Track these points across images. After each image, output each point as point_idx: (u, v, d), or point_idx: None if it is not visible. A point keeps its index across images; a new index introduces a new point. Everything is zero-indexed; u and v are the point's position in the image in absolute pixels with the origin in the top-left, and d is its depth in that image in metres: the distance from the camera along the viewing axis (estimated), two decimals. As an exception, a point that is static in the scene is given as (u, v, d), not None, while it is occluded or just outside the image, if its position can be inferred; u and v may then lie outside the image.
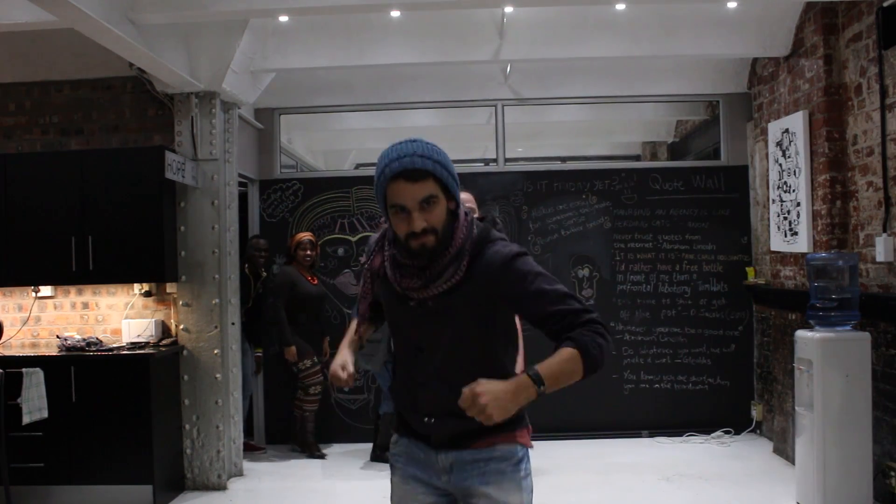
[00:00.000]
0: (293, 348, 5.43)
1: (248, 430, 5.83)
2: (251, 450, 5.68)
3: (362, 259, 2.07)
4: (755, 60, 5.79)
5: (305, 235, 5.69)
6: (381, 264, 1.95)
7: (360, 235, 6.08)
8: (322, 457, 5.60)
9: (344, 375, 1.95)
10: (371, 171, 7.27)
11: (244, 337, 5.61)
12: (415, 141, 1.82)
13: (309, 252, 5.61)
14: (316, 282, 5.73)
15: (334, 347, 5.76)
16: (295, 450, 5.77)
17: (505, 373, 1.85)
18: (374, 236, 2.02)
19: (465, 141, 8.36)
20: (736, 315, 5.99)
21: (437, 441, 1.92)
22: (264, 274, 5.83)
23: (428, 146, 1.81)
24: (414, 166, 1.77)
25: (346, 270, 6.06)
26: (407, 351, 1.97)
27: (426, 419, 1.92)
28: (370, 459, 5.46)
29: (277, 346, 5.54)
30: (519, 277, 1.82)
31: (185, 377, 4.92)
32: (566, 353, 1.72)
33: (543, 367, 1.69)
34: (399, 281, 1.89)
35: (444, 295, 1.84)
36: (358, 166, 8.59)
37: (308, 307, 5.60)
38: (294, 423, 5.74)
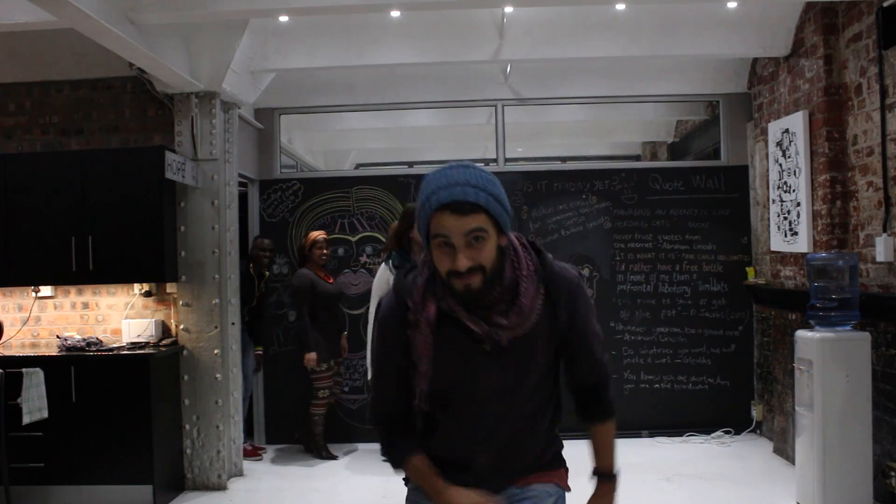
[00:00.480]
0: (314, 355, 5.38)
1: (249, 431, 5.81)
2: (249, 455, 5.59)
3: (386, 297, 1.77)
4: (755, 60, 5.80)
5: (320, 234, 5.61)
6: (437, 310, 1.67)
7: (360, 235, 6.08)
8: (333, 458, 5.59)
9: None
10: (371, 172, 7.34)
11: (247, 335, 5.63)
12: (468, 167, 1.62)
13: (325, 251, 5.57)
14: (332, 280, 5.69)
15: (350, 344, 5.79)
16: (301, 450, 5.77)
17: (560, 407, 1.86)
18: (386, 287, 1.83)
19: (465, 141, 8.37)
20: (736, 315, 5.98)
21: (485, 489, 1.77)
22: (267, 274, 5.84)
23: (482, 176, 1.61)
24: (466, 198, 1.56)
25: (345, 271, 6.06)
26: (464, 405, 1.73)
27: (477, 479, 1.75)
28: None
29: (297, 348, 5.52)
30: (582, 307, 1.76)
31: (185, 377, 4.92)
32: (609, 430, 1.87)
33: (610, 461, 1.86)
34: (488, 319, 1.64)
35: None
36: (358, 166, 8.60)
37: (328, 306, 5.56)
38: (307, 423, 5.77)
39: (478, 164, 1.64)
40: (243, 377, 5.53)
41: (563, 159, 8.79)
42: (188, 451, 4.91)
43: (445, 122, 7.30)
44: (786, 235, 5.13)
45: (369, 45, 5.28)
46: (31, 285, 5.02)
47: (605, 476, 1.85)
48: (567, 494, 1.87)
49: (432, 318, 1.66)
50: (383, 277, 3.92)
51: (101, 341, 4.87)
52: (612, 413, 1.87)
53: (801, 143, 4.82)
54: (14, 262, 4.74)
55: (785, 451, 5.19)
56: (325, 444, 5.65)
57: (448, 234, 1.57)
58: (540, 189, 6.08)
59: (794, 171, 4.95)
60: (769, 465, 5.16)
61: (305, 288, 5.44)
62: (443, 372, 1.69)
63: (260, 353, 5.89)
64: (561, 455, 1.89)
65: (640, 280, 6.03)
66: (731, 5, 4.79)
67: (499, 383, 1.70)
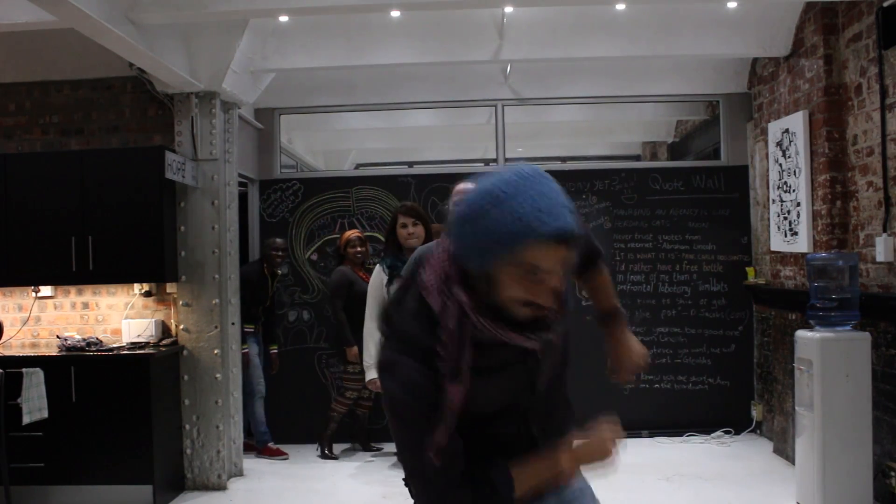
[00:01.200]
0: (355, 349, 5.34)
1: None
2: (276, 455, 5.62)
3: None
4: (755, 60, 5.79)
5: (354, 233, 5.60)
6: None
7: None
8: (333, 457, 5.60)
9: None
10: (371, 172, 7.33)
11: (261, 336, 5.65)
12: (551, 180, 1.38)
13: (359, 249, 5.53)
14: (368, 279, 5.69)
15: None
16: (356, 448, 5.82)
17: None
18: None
19: (465, 141, 8.37)
20: (736, 315, 5.98)
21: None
22: (279, 273, 5.84)
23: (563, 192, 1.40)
24: (575, 229, 1.35)
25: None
26: (522, 410, 1.58)
27: None
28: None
29: (334, 346, 5.54)
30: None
31: (185, 377, 4.92)
32: (605, 271, 1.94)
33: (613, 299, 1.91)
34: (539, 329, 1.48)
35: None
36: (358, 166, 8.60)
37: (363, 305, 5.56)
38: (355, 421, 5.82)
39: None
40: (261, 377, 5.60)
41: (563, 159, 8.78)
42: (188, 451, 4.91)
43: (445, 122, 7.30)
44: (786, 235, 5.13)
45: (369, 45, 5.28)
46: (31, 285, 5.02)
47: (614, 314, 1.91)
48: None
49: (470, 363, 1.42)
50: (377, 279, 3.96)
51: (101, 341, 4.87)
52: (602, 254, 1.92)
53: (801, 143, 4.82)
54: (14, 262, 4.74)
55: (785, 451, 5.19)
56: (332, 443, 5.66)
57: (551, 269, 1.34)
58: (540, 189, 6.07)
59: (794, 171, 4.95)
60: (769, 465, 5.16)
61: (341, 285, 5.43)
62: (496, 396, 1.50)
63: (275, 352, 5.89)
64: None
65: (640, 280, 6.03)
66: (731, 5, 4.79)
67: (552, 369, 1.58)
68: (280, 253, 5.74)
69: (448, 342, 1.40)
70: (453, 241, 1.40)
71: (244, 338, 5.45)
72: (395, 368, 1.43)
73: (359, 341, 5.42)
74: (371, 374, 3.93)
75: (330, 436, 5.63)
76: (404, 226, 3.85)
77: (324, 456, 5.59)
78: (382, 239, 5.92)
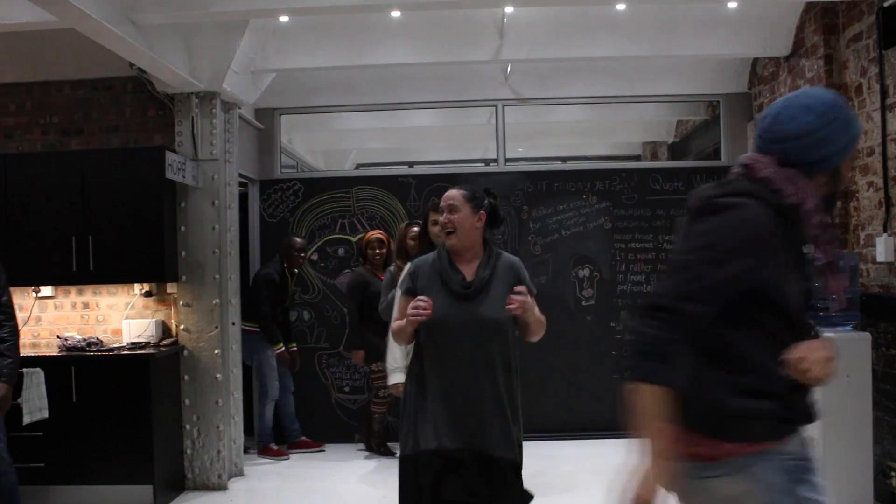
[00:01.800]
0: (361, 353, 5.38)
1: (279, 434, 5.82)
2: (276, 455, 5.63)
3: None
4: (755, 60, 5.79)
5: (374, 234, 5.58)
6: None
7: (360, 235, 6.06)
8: (392, 454, 5.59)
9: None
10: (371, 172, 7.32)
11: (280, 336, 5.66)
12: None
13: (378, 251, 5.49)
14: None
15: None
16: (360, 449, 5.81)
17: None
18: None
19: (465, 141, 8.37)
20: (736, 315, 5.96)
21: None
22: (296, 272, 5.84)
23: None
24: None
25: (346, 270, 6.05)
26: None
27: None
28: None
29: (346, 346, 5.56)
30: None
31: (186, 377, 4.92)
32: None
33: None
34: None
35: None
36: (358, 166, 8.60)
37: None
38: (365, 422, 5.82)
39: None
40: (278, 376, 5.63)
41: (564, 159, 8.78)
42: (188, 451, 4.91)
43: (445, 122, 7.30)
44: (786, 235, 5.13)
45: (369, 45, 5.29)
46: (31, 285, 5.02)
47: None
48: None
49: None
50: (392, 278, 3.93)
51: (101, 341, 4.88)
52: None
53: (801, 143, 4.81)
54: (14, 263, 4.70)
55: (785, 451, 5.18)
56: (385, 441, 5.67)
57: None
58: (540, 189, 6.08)
59: (795, 171, 4.94)
60: (769, 465, 5.14)
61: (357, 286, 5.43)
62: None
63: (295, 349, 5.87)
64: None
65: (641, 280, 6.03)
66: (731, 5, 4.79)
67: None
68: (302, 253, 5.74)
69: (816, 215, 1.60)
70: (811, 148, 1.61)
71: (274, 337, 5.50)
72: (736, 207, 1.56)
73: (379, 341, 5.47)
74: (394, 377, 3.83)
75: (378, 436, 5.66)
76: (435, 223, 3.83)
77: (380, 454, 5.62)
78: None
